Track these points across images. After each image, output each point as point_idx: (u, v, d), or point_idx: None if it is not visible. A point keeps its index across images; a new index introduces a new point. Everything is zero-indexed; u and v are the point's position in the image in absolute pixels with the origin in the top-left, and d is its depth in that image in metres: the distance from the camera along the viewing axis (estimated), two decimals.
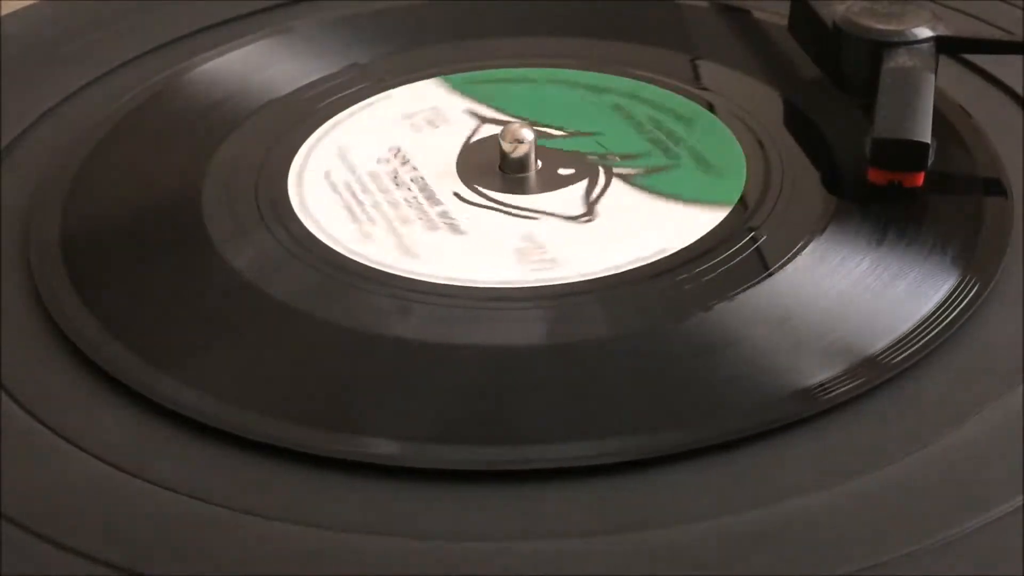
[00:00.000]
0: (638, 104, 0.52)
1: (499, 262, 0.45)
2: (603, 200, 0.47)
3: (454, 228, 0.46)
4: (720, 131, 0.50)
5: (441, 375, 0.41)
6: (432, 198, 0.48)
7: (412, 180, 0.49)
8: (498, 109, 0.53)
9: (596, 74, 0.54)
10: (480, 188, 0.48)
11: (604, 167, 0.49)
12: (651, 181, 0.48)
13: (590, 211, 0.47)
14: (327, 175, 0.49)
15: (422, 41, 0.58)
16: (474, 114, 0.52)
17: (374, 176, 0.49)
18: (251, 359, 0.42)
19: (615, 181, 0.48)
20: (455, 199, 0.48)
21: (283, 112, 0.53)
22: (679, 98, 0.53)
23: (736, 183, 0.47)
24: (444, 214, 0.47)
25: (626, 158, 0.49)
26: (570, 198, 0.48)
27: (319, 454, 0.38)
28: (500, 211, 0.47)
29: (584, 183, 0.48)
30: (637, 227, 0.46)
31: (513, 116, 0.52)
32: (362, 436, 0.39)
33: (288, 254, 0.45)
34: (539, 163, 0.49)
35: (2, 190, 0.50)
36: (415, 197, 0.48)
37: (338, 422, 0.39)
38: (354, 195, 0.48)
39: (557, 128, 0.51)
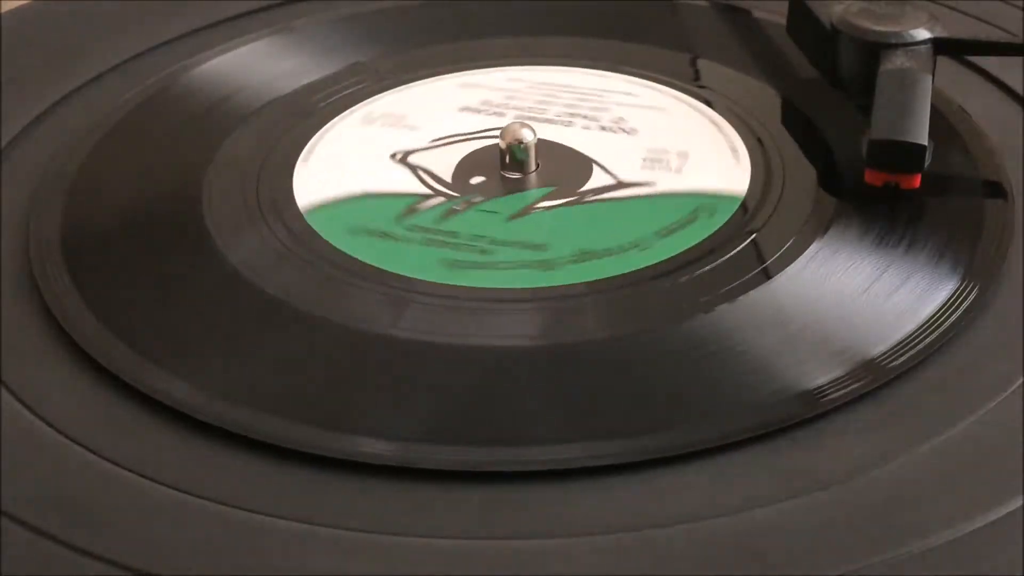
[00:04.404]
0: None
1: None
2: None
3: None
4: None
5: (439, 375, 0.41)
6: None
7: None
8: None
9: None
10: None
11: (463, 199, 0.48)
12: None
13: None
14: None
15: (423, 40, 0.58)
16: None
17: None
18: (252, 357, 0.42)
19: (434, 200, 0.48)
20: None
21: (284, 111, 0.53)
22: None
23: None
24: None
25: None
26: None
27: (315, 453, 0.38)
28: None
29: (437, 186, 0.48)
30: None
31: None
32: (358, 435, 0.39)
33: (289, 253, 0.45)
34: (538, 164, 0.49)
35: (2, 190, 0.50)
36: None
37: (335, 421, 0.39)
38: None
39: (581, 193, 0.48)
